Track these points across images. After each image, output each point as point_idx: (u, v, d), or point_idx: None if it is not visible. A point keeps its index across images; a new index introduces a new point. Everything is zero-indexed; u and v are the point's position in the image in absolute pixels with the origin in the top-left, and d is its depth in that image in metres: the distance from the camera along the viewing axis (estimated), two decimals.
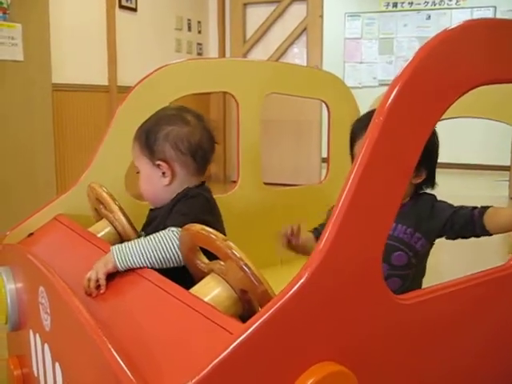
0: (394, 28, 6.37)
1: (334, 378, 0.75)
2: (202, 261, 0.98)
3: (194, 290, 0.93)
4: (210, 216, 1.14)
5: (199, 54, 5.00)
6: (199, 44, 4.99)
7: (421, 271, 1.31)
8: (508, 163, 4.63)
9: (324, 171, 5.10)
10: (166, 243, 1.02)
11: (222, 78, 1.75)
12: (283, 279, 0.79)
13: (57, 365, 1.02)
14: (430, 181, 1.27)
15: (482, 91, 1.64)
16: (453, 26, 0.86)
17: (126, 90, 1.67)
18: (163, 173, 1.21)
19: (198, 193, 1.18)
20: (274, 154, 4.97)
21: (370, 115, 1.19)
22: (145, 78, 1.64)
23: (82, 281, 1.03)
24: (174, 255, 1.02)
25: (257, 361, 0.71)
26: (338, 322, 0.78)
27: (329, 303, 0.76)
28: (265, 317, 0.71)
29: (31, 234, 1.47)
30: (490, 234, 1.20)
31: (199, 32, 4.99)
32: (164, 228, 1.10)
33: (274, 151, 4.96)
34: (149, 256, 1.01)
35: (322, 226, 1.24)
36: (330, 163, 2.07)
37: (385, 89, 1.14)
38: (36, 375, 1.18)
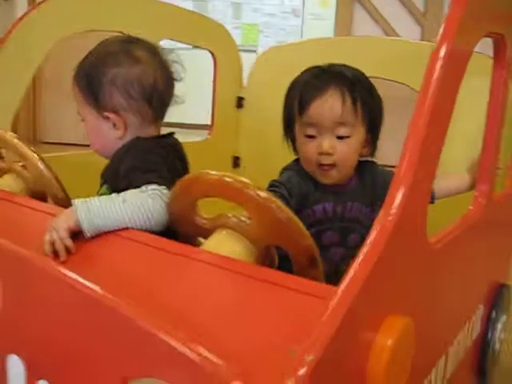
0: None
1: (408, 330, 0.69)
2: (203, 216, 0.83)
3: (205, 248, 0.78)
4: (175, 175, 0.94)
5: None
6: None
7: None
8: None
9: None
10: (150, 204, 0.83)
11: (116, 15, 1.52)
12: None
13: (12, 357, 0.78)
14: (374, 149, 1.13)
15: (376, 48, 1.71)
16: None
17: None
18: (114, 124, 1.01)
19: (149, 148, 0.97)
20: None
21: (315, 75, 1.08)
22: (25, 14, 1.37)
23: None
24: (158, 217, 0.84)
25: (350, 321, 0.61)
26: (399, 273, 0.72)
27: (394, 256, 0.69)
28: (362, 276, 0.61)
29: None
30: (433, 202, 1.13)
31: None
32: (117, 186, 0.93)
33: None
34: (126, 219, 0.82)
35: None
36: (215, 119, 1.95)
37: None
38: None
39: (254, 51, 5.85)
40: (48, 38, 1.38)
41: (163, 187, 0.85)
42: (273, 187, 1.02)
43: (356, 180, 1.10)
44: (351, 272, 0.62)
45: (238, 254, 0.77)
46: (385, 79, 1.64)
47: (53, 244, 0.79)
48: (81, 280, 0.68)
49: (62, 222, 0.82)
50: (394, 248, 0.67)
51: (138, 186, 0.86)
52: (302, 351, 0.54)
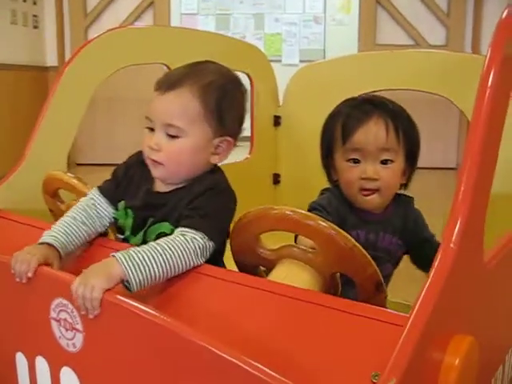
0: (231, 4, 6.40)
1: (472, 348, 0.73)
2: (267, 248, 0.88)
3: (273, 278, 0.84)
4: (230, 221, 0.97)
5: (35, 27, 4.51)
6: (35, 16, 4.50)
7: None
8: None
9: None
10: (189, 256, 0.85)
11: (161, 48, 1.59)
12: None
13: None
14: (409, 180, 1.13)
15: (416, 62, 1.75)
16: None
17: None
18: (217, 148, 0.97)
19: (226, 188, 0.97)
20: (118, 133, 4.68)
21: (357, 105, 1.08)
22: (77, 51, 1.43)
23: None
24: (192, 257, 0.86)
25: (423, 344, 0.66)
26: (460, 294, 0.76)
27: (457, 280, 0.73)
28: (431, 302, 0.66)
29: None
30: None
31: (34, 3, 4.48)
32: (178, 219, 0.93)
33: (118, 129, 4.69)
34: (169, 270, 0.85)
35: None
36: (254, 138, 2.01)
37: None
38: None
39: (279, 61, 5.92)
40: (99, 73, 1.45)
41: (207, 239, 0.87)
42: (314, 210, 1.03)
43: (391, 210, 1.10)
44: (420, 299, 0.66)
45: (306, 282, 0.82)
46: (423, 91, 1.68)
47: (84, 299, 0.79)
48: (167, 319, 0.73)
49: (103, 280, 0.79)
50: (457, 272, 0.72)
51: (185, 226, 0.88)
52: (385, 376, 0.58)
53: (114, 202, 1.04)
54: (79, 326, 0.84)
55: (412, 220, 1.13)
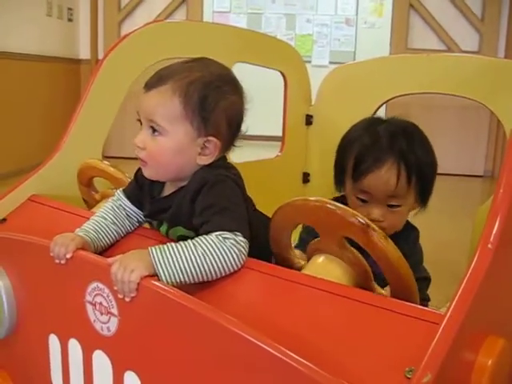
0: (263, 3, 6.41)
1: (504, 350, 0.73)
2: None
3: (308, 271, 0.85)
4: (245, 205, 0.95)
5: (70, 20, 4.58)
6: (70, 9, 4.57)
7: None
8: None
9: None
10: (227, 256, 0.84)
11: (196, 42, 1.60)
12: None
13: (129, 374, 0.86)
14: (424, 206, 1.10)
15: (449, 66, 1.74)
16: None
17: None
18: (203, 149, 0.94)
19: (225, 176, 0.93)
20: None
21: (372, 139, 1.03)
22: (116, 44, 1.45)
23: None
24: (233, 267, 0.85)
25: (458, 343, 0.66)
26: (497, 294, 0.76)
27: (492, 281, 0.73)
28: (467, 302, 0.66)
29: (3, 219, 1.24)
30: None
31: None
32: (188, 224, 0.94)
33: None
34: (203, 273, 0.84)
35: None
36: (285, 137, 2.02)
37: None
38: None
39: (309, 62, 5.91)
40: (136, 66, 1.47)
41: (239, 234, 0.86)
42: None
43: (398, 240, 0.98)
44: (456, 298, 0.67)
45: (340, 278, 0.83)
46: (456, 96, 1.67)
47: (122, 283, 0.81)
48: (203, 305, 0.74)
49: (141, 266, 0.82)
50: (494, 273, 0.72)
51: (212, 231, 0.86)
52: (420, 371, 0.59)
53: (139, 204, 1.05)
54: (114, 311, 0.86)
55: (411, 250, 1.05)
